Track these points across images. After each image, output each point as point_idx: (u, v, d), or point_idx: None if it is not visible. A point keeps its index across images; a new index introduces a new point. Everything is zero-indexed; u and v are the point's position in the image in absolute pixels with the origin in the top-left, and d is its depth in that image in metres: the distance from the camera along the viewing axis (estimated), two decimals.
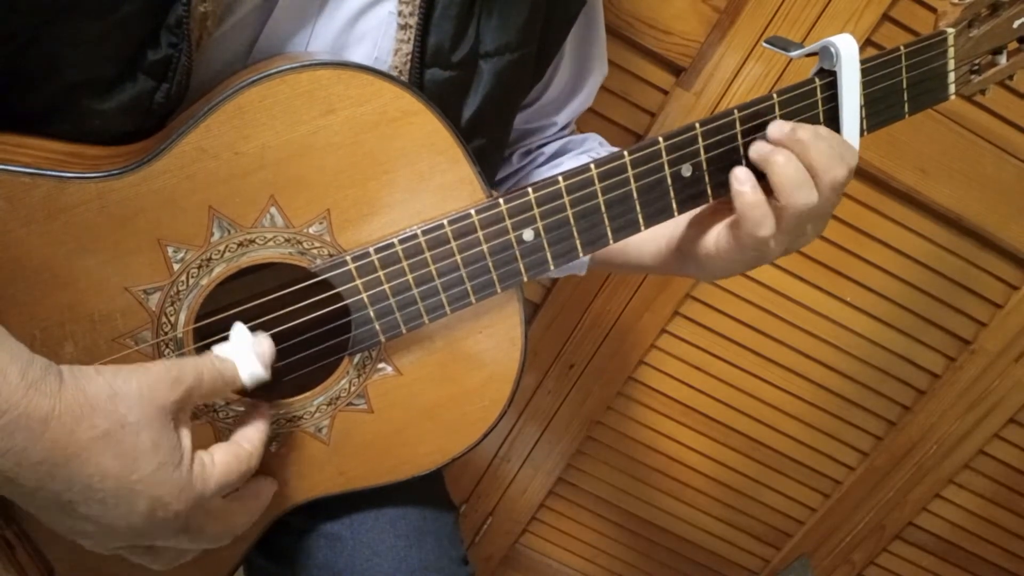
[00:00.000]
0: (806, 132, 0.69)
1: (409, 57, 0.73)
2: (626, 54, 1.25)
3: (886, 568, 1.76)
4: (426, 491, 0.93)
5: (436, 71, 0.74)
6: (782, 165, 0.69)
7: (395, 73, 0.73)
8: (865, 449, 1.61)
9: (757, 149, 0.70)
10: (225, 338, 0.67)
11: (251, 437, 0.66)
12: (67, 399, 0.53)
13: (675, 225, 0.80)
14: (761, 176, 0.70)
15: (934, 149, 1.30)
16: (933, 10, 1.19)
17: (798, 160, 0.69)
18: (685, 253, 0.81)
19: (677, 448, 1.62)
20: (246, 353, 0.65)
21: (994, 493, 1.65)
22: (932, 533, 1.71)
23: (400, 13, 0.72)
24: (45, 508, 0.56)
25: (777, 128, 0.70)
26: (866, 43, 1.23)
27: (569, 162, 0.97)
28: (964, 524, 1.69)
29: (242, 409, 0.72)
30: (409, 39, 0.73)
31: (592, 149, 1.00)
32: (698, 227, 0.78)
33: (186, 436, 0.59)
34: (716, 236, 0.75)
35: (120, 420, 0.55)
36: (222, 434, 0.72)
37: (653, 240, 0.84)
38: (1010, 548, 1.71)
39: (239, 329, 0.66)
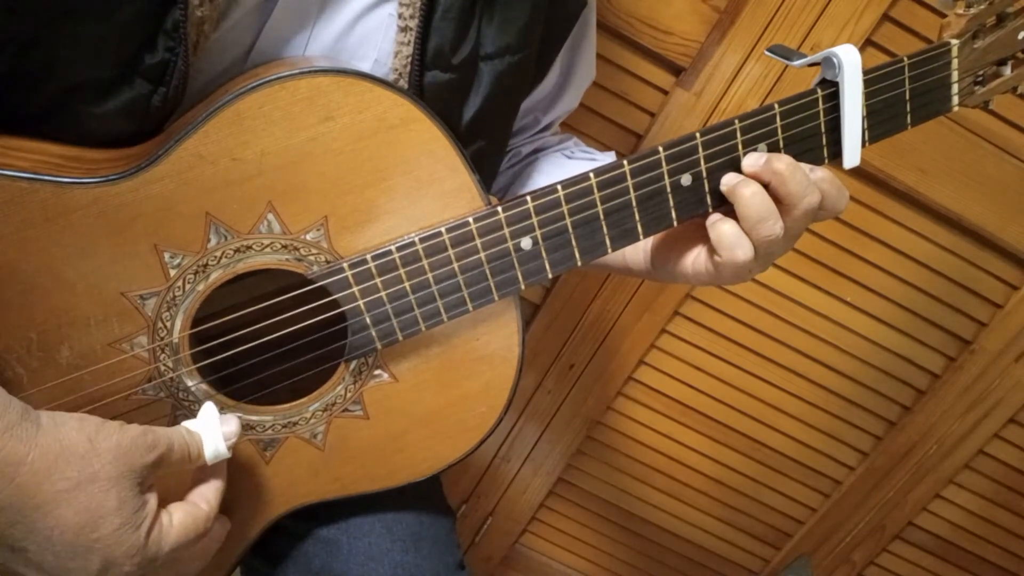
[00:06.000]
0: (781, 163, 0.69)
1: (409, 59, 0.73)
2: (626, 54, 1.25)
3: (886, 568, 1.76)
4: (423, 496, 0.92)
5: (436, 73, 0.74)
6: (748, 198, 0.69)
7: (395, 75, 0.73)
8: (865, 449, 1.61)
9: (726, 181, 0.71)
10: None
11: (208, 497, 0.66)
12: (42, 446, 0.54)
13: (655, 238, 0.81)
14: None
15: (934, 149, 1.30)
16: (933, 10, 1.19)
17: (764, 193, 0.69)
18: (661, 271, 0.81)
19: (677, 448, 1.62)
20: (214, 431, 0.66)
21: (994, 493, 1.65)
22: (932, 533, 1.71)
23: (400, 15, 0.72)
24: None
25: (752, 160, 0.70)
26: (866, 43, 1.22)
27: (543, 160, 0.97)
28: (964, 524, 1.69)
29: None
30: (409, 41, 0.72)
31: (567, 148, 1.00)
32: (670, 247, 0.78)
33: (152, 499, 0.60)
34: (693, 258, 0.75)
35: (93, 475, 0.56)
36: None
37: (633, 249, 0.84)
38: (1010, 548, 1.71)
39: (208, 408, 0.67)
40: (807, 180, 0.69)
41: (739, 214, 0.70)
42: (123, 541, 0.57)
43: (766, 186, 0.70)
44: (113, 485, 0.56)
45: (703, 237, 0.74)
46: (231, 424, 0.67)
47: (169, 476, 0.64)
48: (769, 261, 0.74)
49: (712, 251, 0.72)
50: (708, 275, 0.74)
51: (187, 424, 0.66)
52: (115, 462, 0.57)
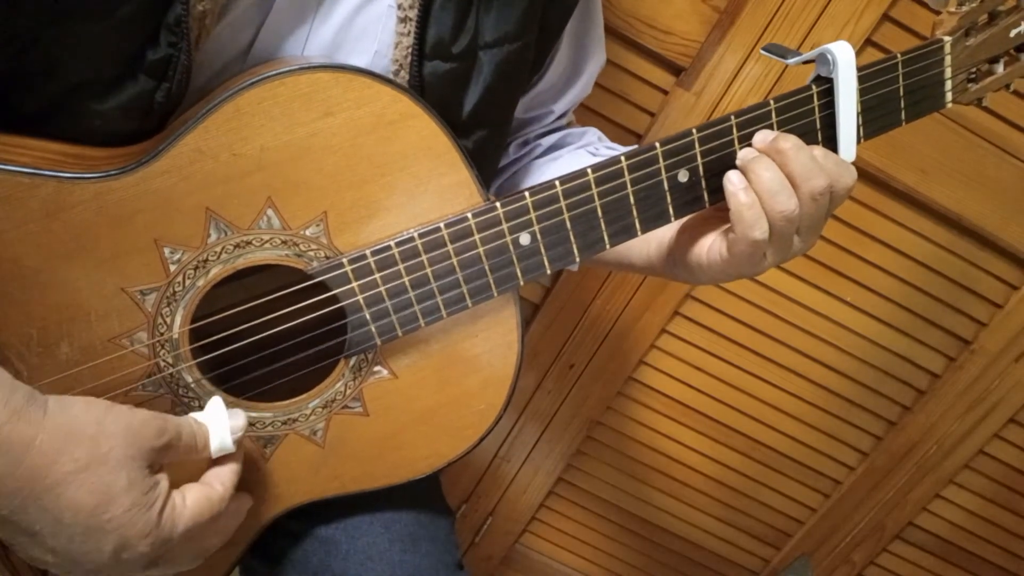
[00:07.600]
0: (787, 142, 0.69)
1: (410, 50, 0.73)
2: (626, 54, 1.25)
3: (886, 568, 1.76)
4: (422, 495, 0.92)
5: (437, 63, 0.74)
6: (760, 172, 0.69)
7: (396, 67, 0.73)
8: (865, 449, 1.61)
9: (742, 155, 0.71)
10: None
11: (223, 478, 0.66)
12: (50, 429, 0.54)
13: (666, 230, 0.80)
14: None
15: (934, 149, 1.30)
16: (933, 11, 1.19)
17: (778, 168, 0.69)
18: (676, 259, 0.80)
19: (677, 448, 1.62)
20: (221, 424, 0.66)
21: (994, 493, 1.65)
22: (932, 533, 1.71)
23: (400, 6, 0.72)
24: (12, 534, 0.56)
25: (761, 137, 0.71)
26: (866, 43, 1.22)
27: (567, 156, 0.97)
28: (964, 524, 1.69)
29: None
30: (409, 32, 0.72)
31: (591, 144, 0.99)
32: (690, 234, 0.78)
33: (163, 480, 0.60)
34: (709, 244, 0.75)
35: (102, 456, 0.56)
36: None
37: (643, 242, 0.84)
38: (1010, 548, 1.71)
39: (216, 402, 0.68)
40: (812, 163, 0.69)
41: (754, 189, 0.70)
42: (135, 521, 0.57)
43: None
44: (123, 466, 0.56)
45: (719, 224, 0.74)
46: (238, 419, 0.67)
47: (181, 463, 0.63)
48: (785, 250, 0.73)
49: (728, 233, 0.72)
50: (723, 261, 0.74)
51: (195, 415, 0.66)
52: (124, 444, 0.57)
